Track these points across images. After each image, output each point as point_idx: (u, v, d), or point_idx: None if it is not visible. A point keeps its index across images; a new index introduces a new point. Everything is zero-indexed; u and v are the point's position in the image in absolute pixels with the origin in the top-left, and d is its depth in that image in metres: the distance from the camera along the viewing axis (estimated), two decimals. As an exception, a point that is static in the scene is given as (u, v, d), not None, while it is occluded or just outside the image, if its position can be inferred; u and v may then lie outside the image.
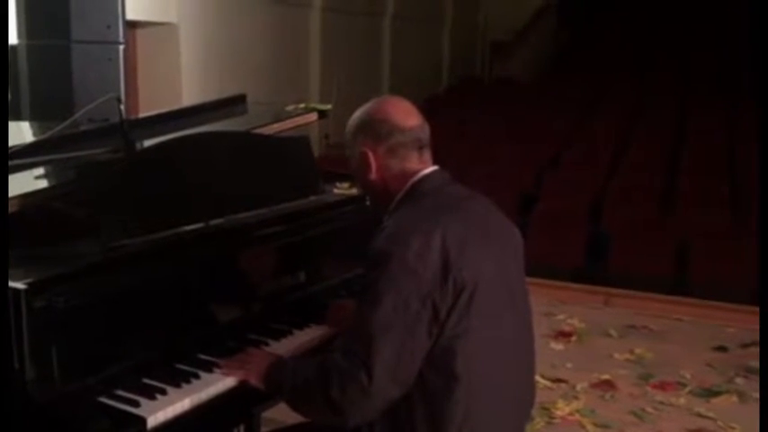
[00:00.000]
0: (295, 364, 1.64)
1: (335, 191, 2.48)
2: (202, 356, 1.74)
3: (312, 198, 2.22)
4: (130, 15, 3.97)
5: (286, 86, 7.07)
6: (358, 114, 1.69)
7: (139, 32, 5.88)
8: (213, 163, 1.98)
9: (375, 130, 1.63)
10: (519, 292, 1.70)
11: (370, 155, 1.64)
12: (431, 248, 1.49)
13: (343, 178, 2.53)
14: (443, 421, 1.53)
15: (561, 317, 4.32)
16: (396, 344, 1.48)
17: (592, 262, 5.39)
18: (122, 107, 2.00)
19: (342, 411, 1.51)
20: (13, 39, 3.30)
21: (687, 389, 3.47)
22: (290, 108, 2.69)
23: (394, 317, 1.48)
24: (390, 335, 1.48)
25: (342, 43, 8.35)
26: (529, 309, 1.74)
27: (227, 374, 1.68)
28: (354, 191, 2.45)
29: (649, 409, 3.27)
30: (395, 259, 1.49)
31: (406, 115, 1.65)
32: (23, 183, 1.96)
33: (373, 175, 1.65)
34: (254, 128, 2.35)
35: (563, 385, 3.45)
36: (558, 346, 3.92)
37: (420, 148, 1.66)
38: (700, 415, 3.22)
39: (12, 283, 1.43)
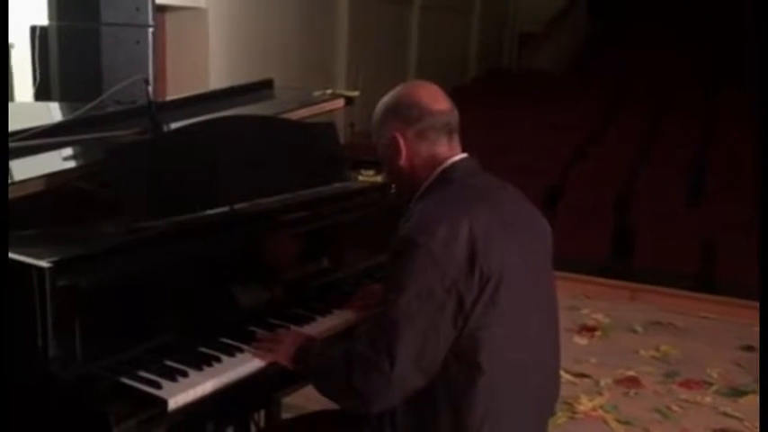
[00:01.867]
0: (323, 348, 1.63)
1: (360, 178, 2.46)
2: (224, 340, 1.73)
3: (337, 185, 2.20)
4: (160, -1, 3.98)
5: (312, 73, 7.05)
6: (387, 98, 1.66)
7: (168, 16, 5.89)
8: (239, 147, 1.97)
9: (405, 113, 1.60)
10: (545, 283, 1.67)
11: (400, 138, 1.61)
12: (457, 238, 1.47)
13: (368, 165, 2.51)
14: (466, 412, 1.51)
15: (585, 311, 4.28)
16: (419, 333, 1.47)
17: (617, 256, 5.32)
18: (150, 89, 1.99)
19: (365, 398, 1.50)
20: (43, 20, 3.32)
21: (713, 388, 3.41)
22: (317, 94, 2.67)
23: (418, 305, 1.46)
24: (414, 323, 1.46)
25: (369, 31, 8.30)
26: (555, 301, 1.71)
27: (257, 357, 1.67)
28: (379, 178, 2.42)
29: (674, 407, 3.22)
30: (421, 248, 1.46)
31: (437, 99, 1.63)
32: (50, 162, 1.97)
33: (402, 160, 1.62)
34: (281, 113, 2.34)
35: (586, 380, 3.41)
36: (581, 340, 3.88)
37: (449, 133, 1.63)
38: (726, 414, 3.17)
39: (36, 262, 1.43)
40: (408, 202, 1.66)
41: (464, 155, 1.65)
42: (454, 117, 1.65)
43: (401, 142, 1.61)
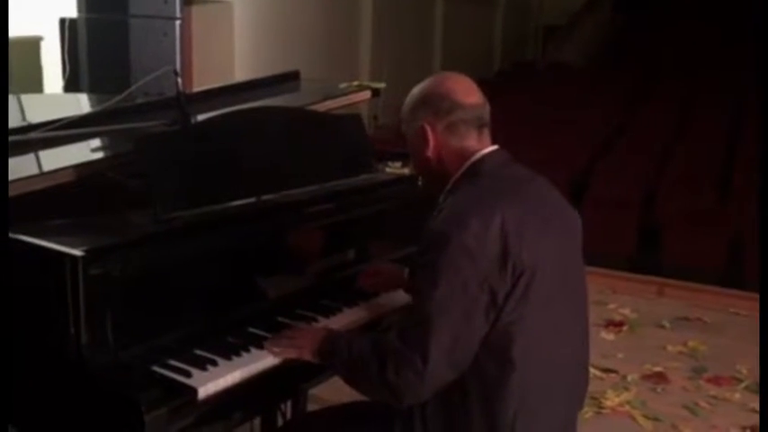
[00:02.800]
0: (350, 339, 1.61)
1: (387, 170, 2.45)
2: (253, 330, 1.74)
3: (364, 176, 2.20)
4: (187, -8, 3.99)
5: (337, 65, 7.05)
6: (418, 89, 1.64)
7: (195, 9, 5.91)
8: (266, 138, 1.97)
9: (436, 105, 1.59)
10: (576, 277, 1.66)
11: (429, 130, 1.59)
12: (490, 231, 1.45)
13: (395, 157, 2.50)
14: (498, 407, 1.50)
15: (612, 306, 4.23)
16: (452, 327, 1.46)
17: (644, 251, 5.26)
18: (179, 80, 2.00)
19: (396, 392, 1.49)
20: (72, 12, 3.35)
21: (743, 384, 3.36)
22: (343, 86, 2.66)
23: (451, 300, 1.45)
24: (447, 318, 1.45)
25: (393, 24, 8.28)
26: (585, 295, 1.69)
27: (278, 352, 1.65)
28: (406, 171, 2.41)
29: (702, 404, 3.18)
30: (453, 241, 1.45)
31: (468, 92, 1.61)
32: (80, 153, 1.98)
33: (430, 152, 1.61)
34: (308, 104, 2.34)
35: (613, 375, 3.37)
36: (608, 335, 3.84)
37: (480, 127, 1.61)
38: (755, 411, 3.11)
39: (69, 250, 1.45)
40: (438, 194, 1.64)
41: (494, 147, 1.63)
42: (486, 111, 1.63)
43: (430, 134, 1.59)
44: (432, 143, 1.60)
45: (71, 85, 3.43)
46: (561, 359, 1.58)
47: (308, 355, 1.65)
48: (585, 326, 1.70)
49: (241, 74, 5.87)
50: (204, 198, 1.77)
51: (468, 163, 1.60)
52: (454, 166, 1.60)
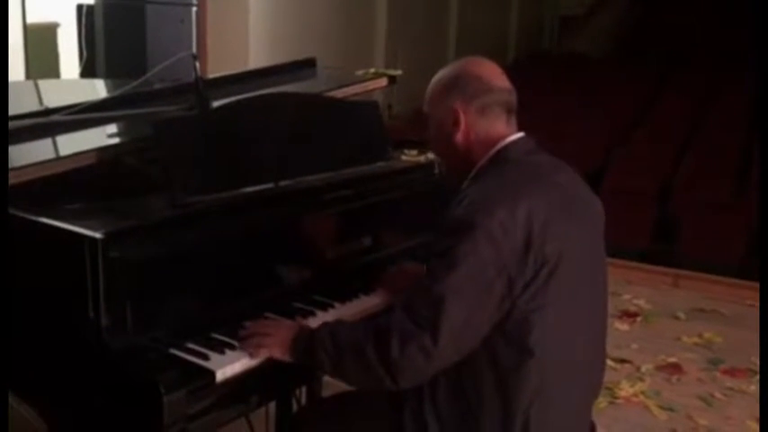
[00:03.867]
0: (332, 328, 1.55)
1: (403, 158, 2.44)
2: (270, 315, 1.74)
3: (380, 164, 2.19)
4: (202, -20, 3.99)
5: (352, 57, 7.02)
6: (446, 72, 1.62)
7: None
8: (283, 124, 1.97)
9: (468, 87, 1.57)
10: (598, 267, 1.65)
11: (461, 112, 1.57)
12: (515, 220, 1.44)
13: (411, 145, 2.49)
14: (514, 395, 1.49)
15: (627, 297, 4.21)
16: (465, 309, 1.44)
17: (659, 243, 5.23)
18: (197, 64, 2.00)
19: (396, 371, 1.45)
20: (89, -1, 3.36)
21: (759, 376, 3.34)
22: (359, 73, 2.65)
23: (468, 283, 1.44)
24: (461, 300, 1.44)
25: (408, 14, 8.24)
26: (605, 284, 1.69)
27: (246, 352, 1.56)
28: (422, 159, 2.40)
29: (718, 395, 3.17)
30: (478, 228, 1.44)
31: (498, 76, 1.60)
32: (97, 137, 1.99)
33: (459, 136, 1.59)
34: (325, 91, 2.33)
35: (627, 366, 3.36)
36: (623, 326, 3.82)
37: (509, 112, 1.60)
38: (771, 404, 3.10)
39: (88, 232, 1.45)
40: (460, 181, 1.63)
41: (521, 134, 1.61)
42: (514, 97, 1.62)
43: (461, 116, 1.57)
44: (463, 126, 1.58)
45: (87, 71, 3.45)
46: (579, 348, 1.57)
47: (277, 353, 1.57)
48: (604, 315, 1.69)
49: (256, 62, 5.86)
50: (222, 183, 1.78)
51: (494, 149, 1.58)
52: (480, 152, 1.59)
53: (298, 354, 1.57)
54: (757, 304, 4.19)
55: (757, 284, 4.44)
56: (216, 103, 2.09)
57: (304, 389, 2.24)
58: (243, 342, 1.58)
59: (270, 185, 1.87)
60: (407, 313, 1.47)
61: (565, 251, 1.48)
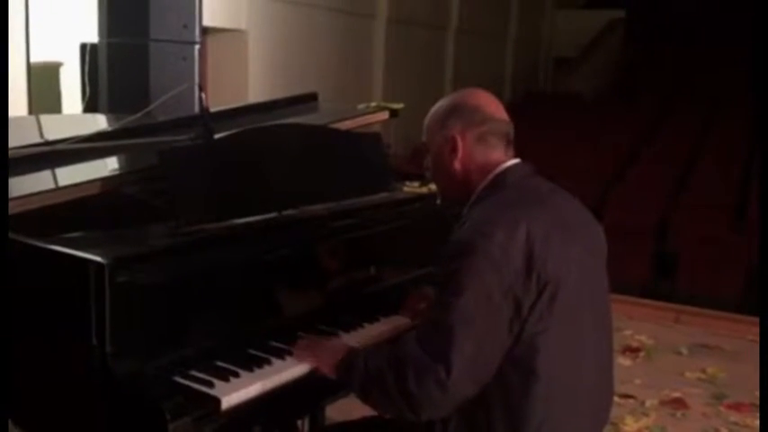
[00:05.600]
0: (367, 354, 1.59)
1: (405, 189, 2.46)
2: (274, 343, 1.73)
3: (383, 194, 2.20)
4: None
5: (349, 95, 7.11)
6: (445, 101, 1.65)
7: (210, 38, 6.00)
8: (288, 154, 1.98)
9: (467, 115, 1.59)
10: (600, 290, 1.64)
11: (459, 140, 1.59)
12: (515, 241, 1.44)
13: (413, 177, 2.51)
14: (522, 420, 1.47)
15: (628, 332, 4.19)
16: (476, 338, 1.43)
17: (659, 279, 5.23)
18: (203, 95, 2.02)
19: (416, 404, 1.46)
20: (93, 37, 3.40)
21: (759, 412, 3.30)
22: (361, 107, 2.68)
23: (475, 310, 1.43)
24: (470, 328, 1.43)
25: (405, 55, 8.37)
26: (609, 308, 1.68)
27: (298, 360, 1.65)
28: (425, 190, 2.42)
29: (723, 430, 3.14)
30: (479, 251, 1.44)
31: (496, 107, 1.63)
32: (102, 167, 2.00)
33: (457, 163, 1.60)
34: (327, 124, 2.35)
35: (631, 401, 3.33)
36: (625, 361, 3.80)
37: (507, 143, 1.62)
38: (778, 438, 3.06)
39: (95, 258, 1.45)
40: (461, 207, 1.64)
41: (517, 160, 1.63)
42: (511, 128, 1.64)
43: (459, 144, 1.59)
44: (461, 153, 1.60)
45: (90, 109, 3.47)
46: (585, 375, 1.55)
47: (325, 368, 1.63)
48: (610, 339, 1.68)
49: (255, 99, 5.92)
50: (227, 211, 1.78)
51: (492, 174, 1.59)
52: (479, 178, 1.60)
53: (340, 372, 1.60)
54: (758, 340, 4.18)
55: (758, 319, 4.44)
56: (220, 134, 2.10)
57: (306, 420, 2.20)
58: (298, 351, 1.67)
59: (274, 215, 1.88)
60: (421, 345, 1.47)
61: (566, 272, 1.48)
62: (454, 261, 1.48)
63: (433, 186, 2.39)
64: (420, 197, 2.37)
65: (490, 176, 1.60)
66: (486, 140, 1.59)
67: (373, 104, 2.71)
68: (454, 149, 1.60)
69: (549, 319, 1.46)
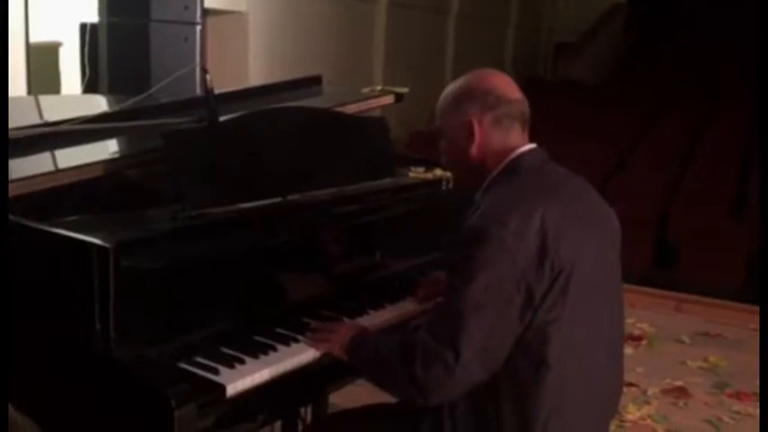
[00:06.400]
0: (378, 338, 1.59)
1: (411, 175, 2.43)
2: (279, 330, 1.70)
3: (387, 179, 2.17)
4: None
5: (350, 80, 7.06)
6: (459, 84, 1.61)
7: (210, 20, 5.93)
8: (292, 138, 1.95)
9: (482, 98, 1.55)
10: (614, 278, 1.62)
11: (476, 123, 1.55)
12: (529, 228, 1.42)
13: (419, 163, 2.47)
14: (531, 407, 1.46)
15: (630, 320, 4.16)
16: (486, 325, 1.42)
17: (660, 267, 5.22)
18: (208, 77, 1.98)
19: (424, 389, 1.45)
20: (93, 17, 3.35)
21: (759, 400, 3.30)
22: (365, 90, 2.64)
23: (486, 297, 1.41)
24: (481, 315, 1.41)
25: (406, 39, 8.31)
26: (622, 296, 1.66)
27: (311, 346, 1.64)
28: (430, 175, 2.39)
29: (726, 419, 3.13)
30: (492, 238, 1.42)
31: (512, 88, 1.59)
32: (104, 149, 1.96)
33: (474, 148, 1.57)
34: (330, 107, 2.31)
35: (633, 389, 3.32)
36: (627, 349, 3.76)
37: (523, 123, 1.59)
38: (780, 428, 3.05)
39: (99, 242, 1.42)
40: (473, 192, 1.61)
41: (533, 145, 1.60)
42: (527, 107, 1.60)
43: (476, 128, 1.56)
44: (477, 137, 1.56)
45: (90, 90, 3.42)
46: (598, 360, 1.54)
47: (336, 349, 1.63)
48: (622, 328, 1.67)
49: (255, 82, 5.88)
50: (230, 195, 1.75)
51: (507, 160, 1.56)
52: (494, 163, 1.57)
53: (351, 354, 1.60)
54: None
55: (758, 308, 4.43)
56: (224, 117, 2.07)
57: (309, 408, 2.18)
58: (309, 336, 1.66)
59: (279, 199, 1.85)
60: (430, 330, 1.46)
61: (579, 260, 1.45)
62: (467, 247, 1.45)
63: (439, 172, 2.37)
64: (425, 183, 2.34)
65: (505, 161, 1.57)
66: (502, 123, 1.56)
67: (378, 88, 2.67)
68: (471, 134, 1.56)
69: (561, 308, 1.44)
